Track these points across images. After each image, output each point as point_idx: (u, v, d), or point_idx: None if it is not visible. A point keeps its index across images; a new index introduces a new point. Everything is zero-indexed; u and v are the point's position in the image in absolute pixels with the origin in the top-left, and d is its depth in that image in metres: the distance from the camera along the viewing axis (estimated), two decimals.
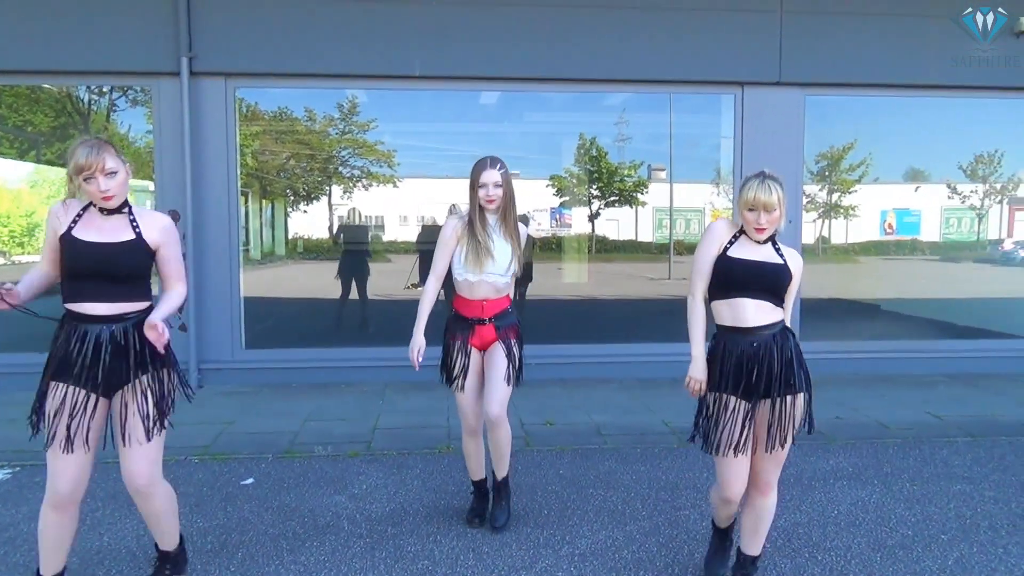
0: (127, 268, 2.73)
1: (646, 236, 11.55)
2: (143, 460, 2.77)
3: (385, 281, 9.03)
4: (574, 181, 11.17)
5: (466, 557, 3.43)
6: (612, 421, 5.72)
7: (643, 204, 11.30)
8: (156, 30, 6.65)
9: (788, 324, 2.97)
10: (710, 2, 7.06)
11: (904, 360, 7.53)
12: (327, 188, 11.09)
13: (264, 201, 11.48)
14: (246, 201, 10.84)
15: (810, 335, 7.48)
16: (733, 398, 2.89)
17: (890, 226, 9.44)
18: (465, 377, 3.63)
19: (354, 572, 3.28)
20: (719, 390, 2.92)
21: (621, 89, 7.82)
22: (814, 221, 10.47)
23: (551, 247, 10.90)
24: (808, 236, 10.45)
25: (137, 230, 2.76)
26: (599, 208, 11.28)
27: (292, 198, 11.49)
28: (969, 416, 5.90)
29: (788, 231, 7.23)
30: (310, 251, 10.85)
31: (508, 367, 3.59)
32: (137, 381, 2.75)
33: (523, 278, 9.01)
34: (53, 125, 10.65)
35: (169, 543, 3.06)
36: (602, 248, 11.24)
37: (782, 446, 2.94)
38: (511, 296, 3.77)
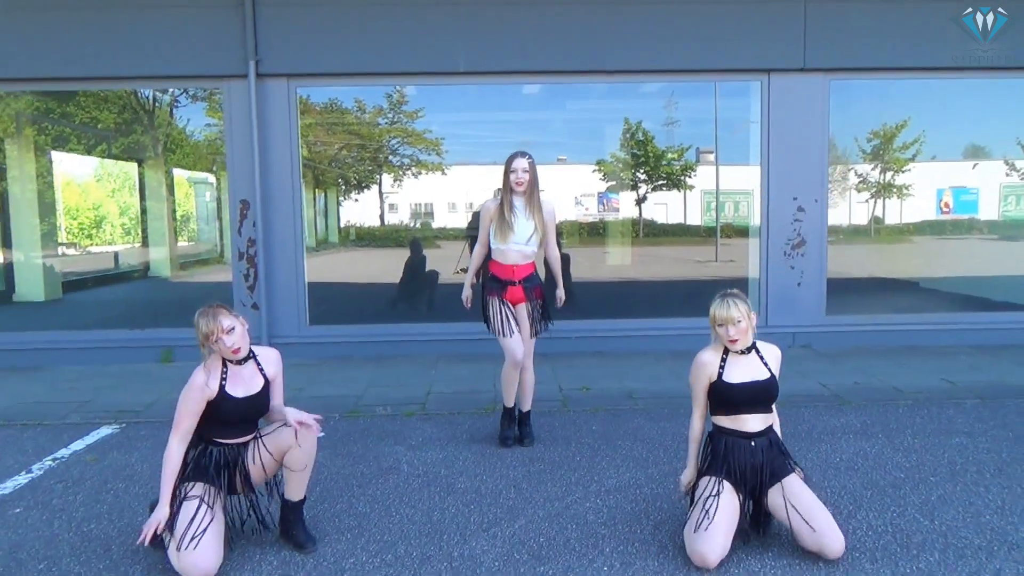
0: (266, 409, 3.39)
1: (694, 219, 11.73)
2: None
3: (436, 266, 9.64)
4: (620, 166, 11.46)
5: (508, 492, 4.02)
6: (643, 387, 6.25)
7: (691, 188, 11.43)
8: (226, 37, 7.34)
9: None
10: None
11: (930, 332, 7.84)
12: (377, 177, 11.66)
13: (317, 191, 12.10)
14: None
15: (837, 309, 7.89)
16: (728, 484, 3.25)
17: (946, 205, 9.39)
18: (510, 325, 4.62)
19: (413, 503, 3.89)
20: (717, 475, 3.28)
21: (656, 79, 8.29)
22: (866, 201, 10.64)
23: (598, 232, 11.27)
24: (861, 216, 10.69)
25: (263, 372, 3.37)
26: (646, 192, 11.54)
27: (344, 187, 12.07)
28: (982, 382, 6.26)
29: (814, 209, 7.66)
30: (362, 239, 11.44)
31: (532, 325, 4.71)
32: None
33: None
34: (118, 121, 11.46)
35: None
36: (650, 232, 11.46)
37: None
38: (535, 264, 4.74)
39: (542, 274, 4.91)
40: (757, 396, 3.30)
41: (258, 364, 3.38)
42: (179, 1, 7.30)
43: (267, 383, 3.36)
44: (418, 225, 11.10)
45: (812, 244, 7.74)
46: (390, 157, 11.22)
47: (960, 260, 9.94)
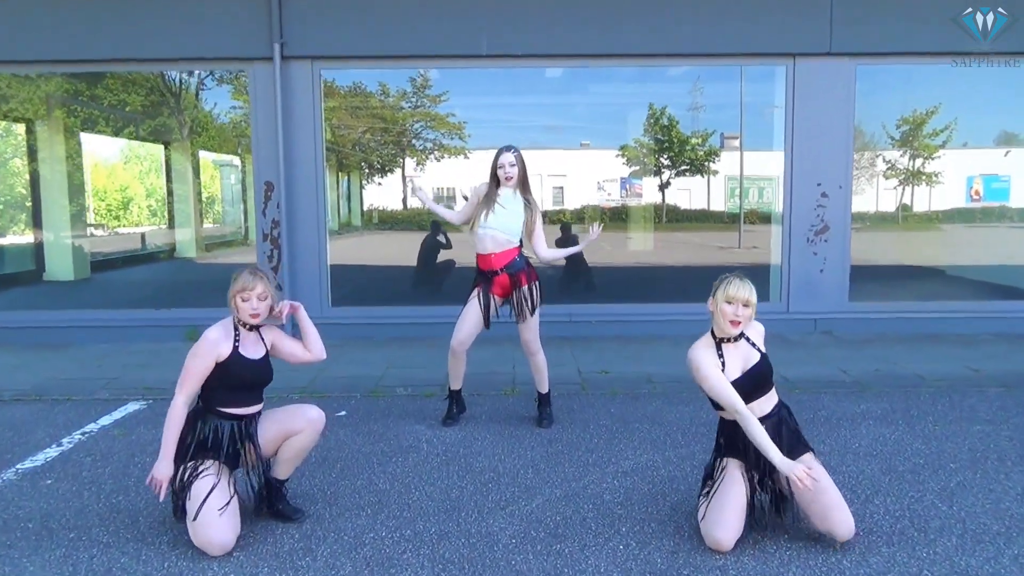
0: (270, 378, 3.43)
1: (718, 205, 11.64)
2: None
3: (454, 249, 9.68)
4: (644, 151, 11.39)
5: (525, 471, 4.06)
6: (662, 371, 6.26)
7: (715, 173, 11.33)
8: (251, 19, 7.39)
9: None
10: None
11: (955, 320, 7.76)
12: (400, 161, 11.69)
13: (340, 174, 12.18)
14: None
15: (860, 296, 7.83)
16: (736, 465, 3.23)
17: (976, 192, 9.29)
18: (471, 311, 4.68)
19: (432, 479, 3.95)
20: (728, 457, 3.27)
21: (681, 63, 8.23)
22: (895, 188, 10.52)
23: (621, 217, 11.22)
24: (888, 203, 10.59)
25: (264, 341, 3.43)
26: (670, 178, 11.46)
27: (367, 171, 12.13)
28: (1007, 371, 6.20)
29: (838, 196, 7.60)
30: (384, 222, 11.50)
31: (527, 307, 4.69)
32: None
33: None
34: (145, 104, 11.58)
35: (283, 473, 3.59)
36: (673, 218, 11.39)
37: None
38: (520, 249, 4.74)
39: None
40: (758, 383, 3.21)
41: (260, 334, 3.44)
42: None
43: (267, 352, 3.43)
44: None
45: (835, 230, 7.67)
46: (413, 141, 11.25)
47: (988, 248, 9.82)
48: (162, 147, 13.85)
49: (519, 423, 4.92)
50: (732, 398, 3.11)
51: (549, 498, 3.71)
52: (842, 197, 7.66)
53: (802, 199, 7.65)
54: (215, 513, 3.11)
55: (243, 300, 3.27)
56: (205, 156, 13.89)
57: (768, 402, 3.25)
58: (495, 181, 4.68)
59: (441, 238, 9.61)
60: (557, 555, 3.12)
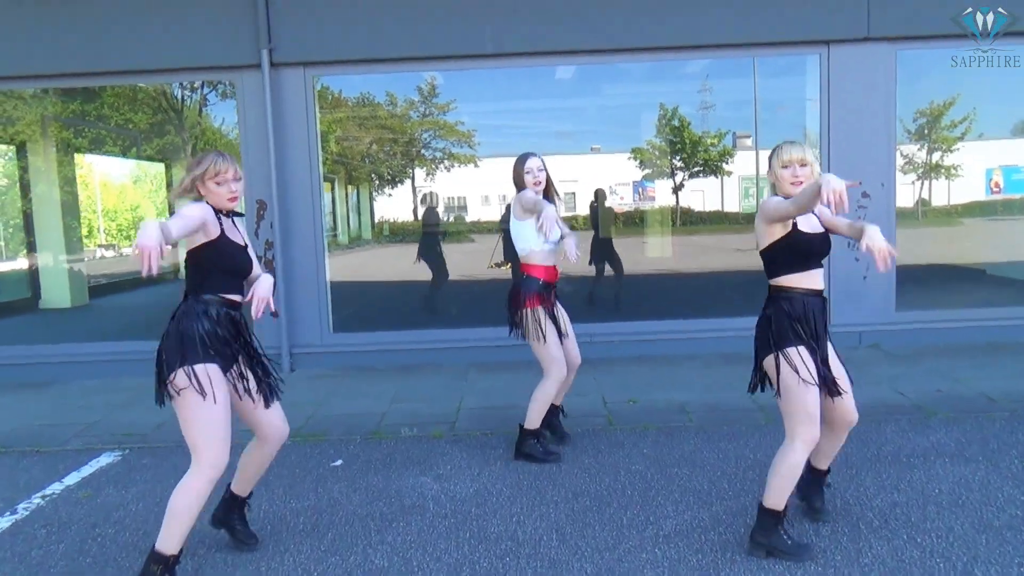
0: (251, 267, 3.18)
1: (732, 206, 11.25)
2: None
3: (468, 261, 9.10)
4: (656, 153, 10.95)
5: (549, 538, 3.44)
6: (696, 399, 5.61)
7: (728, 173, 11.00)
8: (237, 24, 6.84)
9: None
10: None
11: (1013, 328, 7.07)
12: (410, 171, 11.26)
13: (350, 187, 11.77)
14: (332, 187, 11.16)
15: (906, 305, 7.16)
16: (806, 349, 3.11)
17: (996, 185, 8.95)
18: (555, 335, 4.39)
19: (439, 553, 3.33)
20: (798, 344, 3.11)
21: (701, 56, 7.58)
22: (912, 183, 9.94)
23: (635, 221, 10.74)
24: (906, 199, 9.96)
25: (239, 231, 3.19)
26: (683, 179, 11.04)
27: (377, 182, 11.74)
28: None
29: (880, 195, 6.94)
30: (396, 234, 11.07)
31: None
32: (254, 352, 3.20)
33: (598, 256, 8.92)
34: (151, 122, 11.17)
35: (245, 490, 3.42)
36: (687, 220, 11.01)
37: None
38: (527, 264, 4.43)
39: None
40: (823, 247, 3.17)
41: (233, 222, 3.16)
42: None
43: (246, 243, 3.20)
44: (451, 219, 10.73)
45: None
46: (422, 151, 10.88)
47: (1018, 243, 9.19)
48: (162, 166, 13.44)
49: (539, 469, 4.30)
50: (790, 200, 2.98)
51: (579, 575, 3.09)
52: (885, 196, 6.99)
53: None
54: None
55: (218, 184, 3.00)
56: None
57: (819, 278, 3.20)
58: (520, 190, 4.44)
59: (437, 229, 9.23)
60: None
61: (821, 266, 3.20)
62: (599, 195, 9.26)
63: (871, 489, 3.82)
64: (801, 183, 3.07)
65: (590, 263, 8.92)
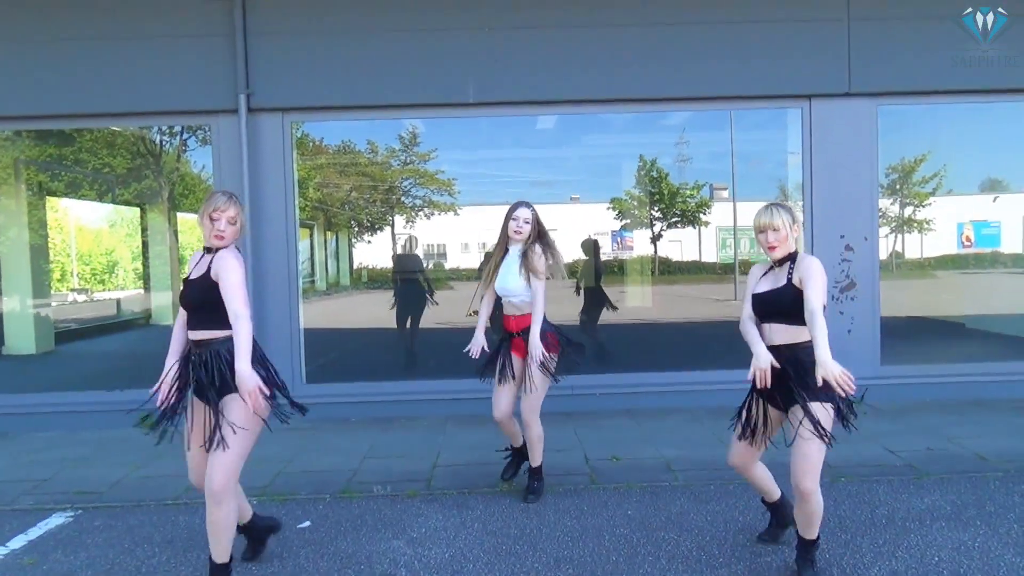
0: (199, 301, 3.21)
1: (710, 257, 11.29)
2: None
3: (447, 310, 8.92)
4: (635, 203, 10.97)
5: None
6: (682, 455, 5.42)
7: (706, 224, 11.08)
8: (215, 69, 6.73)
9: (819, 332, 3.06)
10: (772, 14, 6.79)
11: (999, 384, 6.98)
12: (390, 218, 11.16)
13: (329, 233, 11.64)
14: (311, 233, 11.03)
15: (890, 359, 7.06)
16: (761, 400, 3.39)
17: (967, 239, 9.06)
18: (504, 375, 4.48)
19: None
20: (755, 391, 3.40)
21: (682, 108, 7.56)
22: (886, 236, 10.01)
23: (613, 270, 10.68)
24: (881, 252, 10.02)
25: (209, 265, 3.22)
26: (661, 230, 11.07)
27: (356, 229, 11.62)
28: None
29: (864, 249, 6.92)
30: (375, 280, 10.90)
31: (528, 380, 4.40)
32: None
33: (590, 304, 8.80)
34: (129, 167, 11.01)
35: (222, 556, 3.23)
36: (666, 270, 11.02)
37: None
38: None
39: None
40: (771, 305, 3.28)
41: (210, 261, 3.25)
42: (164, 32, 6.72)
43: (207, 274, 3.21)
44: (430, 266, 10.61)
45: (863, 287, 6.94)
46: (402, 198, 10.81)
47: (1004, 297, 9.25)
48: (138, 210, 13.24)
49: (519, 533, 4.07)
50: (746, 301, 3.42)
51: None
52: (869, 250, 6.94)
53: (824, 253, 6.88)
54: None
55: (212, 220, 3.21)
56: (186, 217, 13.23)
57: (784, 334, 3.26)
58: (505, 237, 4.51)
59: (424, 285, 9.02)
60: None
61: (786, 322, 3.25)
62: (596, 246, 9.17)
63: (868, 556, 3.64)
64: (774, 248, 3.28)
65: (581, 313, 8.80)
